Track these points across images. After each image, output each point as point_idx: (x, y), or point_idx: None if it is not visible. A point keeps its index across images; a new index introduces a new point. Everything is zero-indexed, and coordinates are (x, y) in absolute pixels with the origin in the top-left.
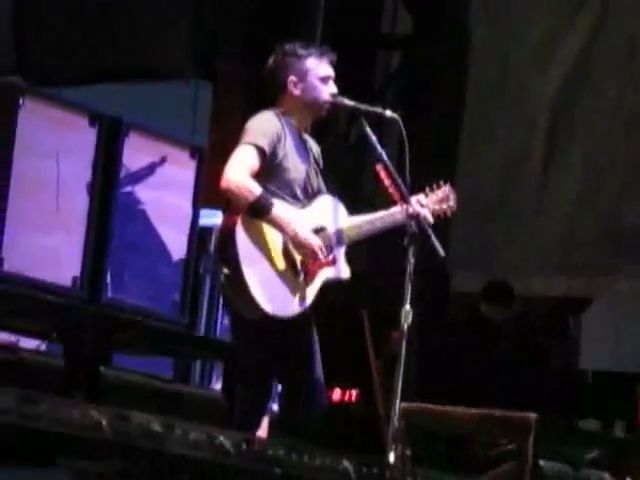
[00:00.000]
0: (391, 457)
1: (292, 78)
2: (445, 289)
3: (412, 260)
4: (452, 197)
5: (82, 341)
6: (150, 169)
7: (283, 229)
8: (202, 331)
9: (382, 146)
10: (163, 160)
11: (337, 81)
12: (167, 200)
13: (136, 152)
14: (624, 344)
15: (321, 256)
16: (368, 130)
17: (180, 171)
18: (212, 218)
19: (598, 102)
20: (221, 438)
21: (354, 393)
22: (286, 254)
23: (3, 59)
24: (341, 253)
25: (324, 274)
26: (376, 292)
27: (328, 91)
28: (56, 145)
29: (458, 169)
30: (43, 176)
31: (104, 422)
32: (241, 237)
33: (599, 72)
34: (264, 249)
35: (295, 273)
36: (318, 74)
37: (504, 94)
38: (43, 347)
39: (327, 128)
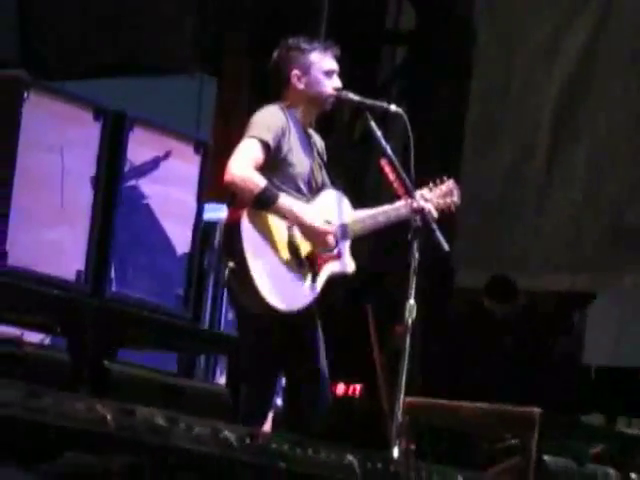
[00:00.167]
0: (395, 452)
1: (296, 72)
2: (448, 285)
3: (416, 255)
4: (456, 192)
5: (86, 335)
6: (154, 163)
7: (291, 218)
8: (206, 325)
9: (386, 141)
10: (167, 154)
11: (342, 76)
12: (171, 194)
13: (140, 146)
14: (627, 340)
15: (331, 241)
16: (373, 124)
17: (184, 165)
18: (216, 212)
19: (602, 102)
20: (225, 432)
21: (358, 388)
22: (292, 248)
23: (7, 52)
24: (346, 247)
25: (329, 268)
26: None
27: (332, 85)
28: (60, 139)
29: (462, 165)
30: (47, 170)
31: (109, 416)
32: (247, 230)
33: (603, 72)
34: (270, 243)
35: (301, 267)
36: (322, 68)
37: (508, 92)
38: (47, 341)
39: (332, 123)
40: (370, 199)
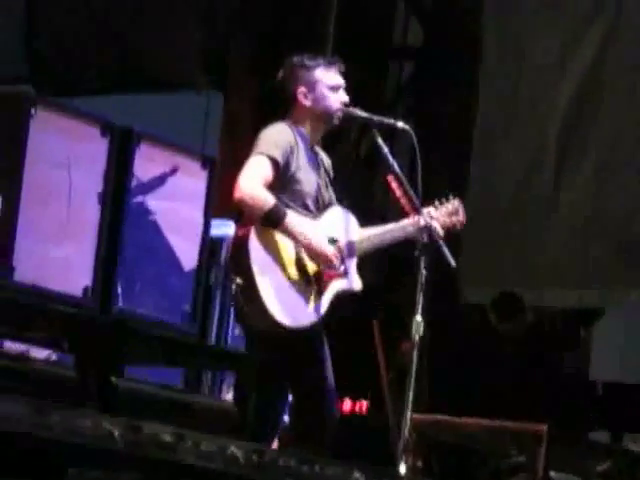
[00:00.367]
0: (402, 468)
1: (302, 89)
2: (455, 301)
3: (423, 271)
4: (461, 211)
5: (93, 351)
6: (161, 179)
7: (297, 238)
8: (213, 341)
9: (393, 157)
10: (174, 170)
11: (349, 92)
12: (178, 210)
13: (147, 162)
14: (635, 355)
15: (336, 263)
16: (380, 141)
17: (191, 181)
18: (223, 228)
19: (609, 116)
20: (232, 449)
21: (365, 404)
22: (299, 265)
23: (15, 69)
24: (353, 265)
25: (336, 285)
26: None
27: (339, 99)
28: (67, 155)
29: (469, 181)
30: (54, 186)
31: (116, 432)
32: (254, 247)
33: (611, 84)
34: (277, 259)
35: (308, 284)
36: (327, 83)
37: (515, 108)
38: (54, 357)
39: (338, 141)
40: (376, 217)
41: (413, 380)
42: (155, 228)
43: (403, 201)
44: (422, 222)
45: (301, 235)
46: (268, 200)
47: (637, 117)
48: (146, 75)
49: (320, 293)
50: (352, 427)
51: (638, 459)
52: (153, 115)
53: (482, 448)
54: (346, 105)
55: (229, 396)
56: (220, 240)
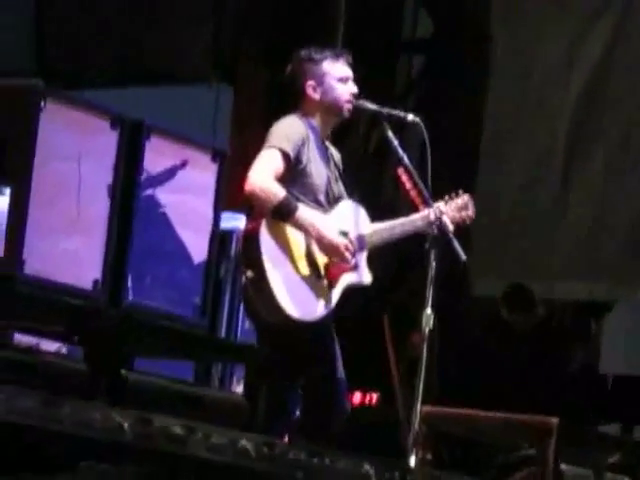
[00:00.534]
0: (412, 461)
1: (310, 83)
2: (466, 294)
3: (433, 264)
4: (470, 206)
5: (103, 344)
6: (171, 172)
7: (308, 231)
8: (223, 334)
9: (403, 150)
10: (184, 163)
11: (358, 86)
12: (188, 203)
13: (157, 155)
14: None
15: (348, 256)
16: (390, 134)
17: (201, 174)
18: (233, 221)
19: (618, 113)
20: (243, 441)
21: (375, 396)
22: (309, 258)
23: (25, 62)
24: (363, 258)
25: (346, 279)
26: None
27: (348, 91)
28: (77, 148)
29: (479, 174)
30: (64, 179)
31: (126, 425)
32: (265, 240)
33: (619, 81)
34: (288, 253)
35: (318, 277)
36: (335, 75)
37: (524, 101)
38: (64, 350)
39: (348, 133)
40: (386, 211)
41: (423, 373)
42: (165, 221)
43: (413, 194)
44: (432, 216)
45: (312, 228)
46: (279, 193)
47: None
48: (156, 68)
49: (330, 286)
50: (362, 420)
51: None
52: (163, 109)
53: (492, 441)
54: (355, 97)
55: (239, 389)
56: (230, 233)
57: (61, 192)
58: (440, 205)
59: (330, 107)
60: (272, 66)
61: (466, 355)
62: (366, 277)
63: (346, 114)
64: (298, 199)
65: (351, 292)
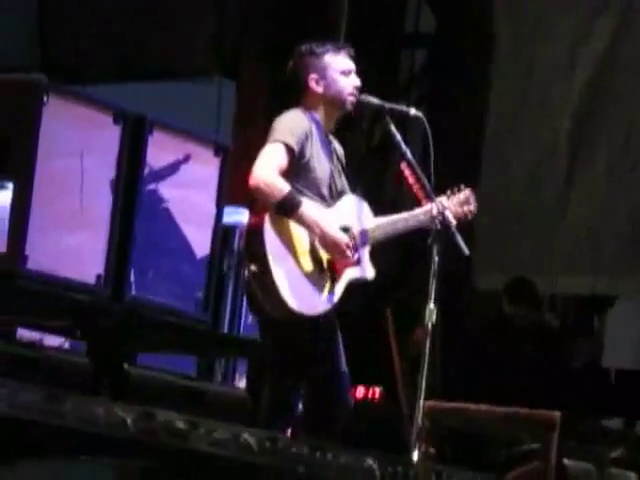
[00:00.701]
0: (415, 455)
1: (313, 76)
2: (469, 289)
3: (436, 259)
4: (472, 200)
5: (106, 339)
6: (174, 167)
7: (311, 227)
8: (226, 329)
9: (406, 145)
10: (187, 158)
11: (361, 81)
12: (191, 198)
13: (160, 150)
14: None
15: (349, 253)
16: (392, 128)
17: (204, 169)
18: (235, 216)
19: (621, 107)
20: (245, 436)
21: (377, 391)
22: (313, 253)
23: (27, 57)
24: (366, 253)
25: (349, 274)
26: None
27: (351, 84)
28: (80, 143)
29: (483, 168)
30: (67, 174)
31: (129, 420)
32: (269, 235)
33: (622, 79)
34: (291, 247)
35: (321, 272)
36: (338, 68)
37: (527, 97)
38: (67, 345)
39: (351, 128)
40: (389, 206)
41: (426, 367)
42: (168, 216)
43: (416, 189)
44: (435, 210)
45: (315, 224)
46: (283, 188)
47: None
48: (158, 63)
49: (334, 281)
50: (365, 414)
51: None
52: (166, 104)
53: (495, 435)
54: (358, 90)
55: (242, 384)
56: (233, 228)
57: (64, 187)
58: (442, 200)
59: (333, 100)
60: (274, 61)
61: (468, 351)
62: (369, 272)
63: (349, 107)
64: (302, 193)
65: (354, 287)
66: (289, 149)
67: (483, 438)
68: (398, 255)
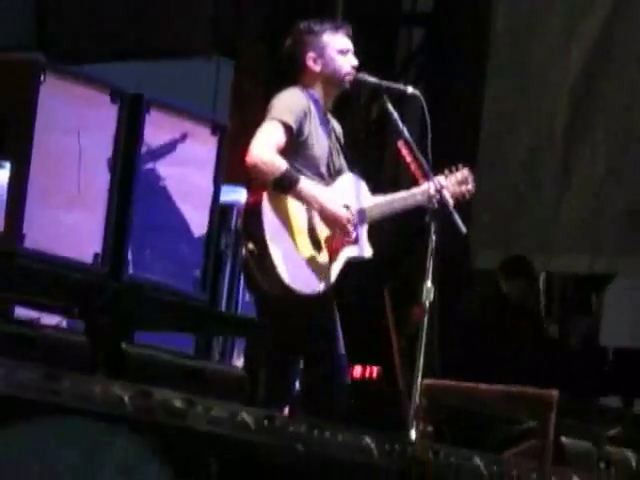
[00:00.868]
0: (413, 434)
1: (311, 54)
2: (466, 268)
3: (434, 237)
4: (470, 180)
5: (103, 317)
6: (171, 146)
7: (310, 202)
8: (223, 307)
9: (404, 123)
10: (184, 136)
11: (359, 59)
12: (188, 177)
13: (157, 129)
14: None
15: (350, 228)
16: (390, 107)
17: (201, 147)
18: (233, 195)
19: (619, 86)
20: (243, 414)
21: (375, 370)
22: (311, 232)
23: (25, 35)
24: (363, 232)
25: (347, 252)
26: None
27: (349, 62)
28: (77, 121)
29: (480, 148)
30: (64, 153)
31: (126, 398)
32: (267, 213)
33: (619, 56)
34: (289, 226)
35: (319, 250)
36: (336, 47)
37: (525, 77)
38: (64, 324)
39: (349, 107)
40: (387, 184)
41: (423, 346)
42: (165, 195)
43: (413, 167)
44: (432, 189)
45: (314, 199)
46: (281, 165)
47: None
48: (156, 42)
49: (331, 260)
50: (363, 393)
51: None
52: (162, 83)
53: (493, 414)
54: (356, 69)
55: (240, 362)
56: (230, 206)
57: (61, 166)
58: (440, 179)
59: (330, 78)
60: (272, 41)
61: (467, 329)
62: (367, 251)
63: (346, 86)
64: (300, 172)
65: (352, 266)
66: (287, 127)
67: (481, 417)
68: (396, 233)
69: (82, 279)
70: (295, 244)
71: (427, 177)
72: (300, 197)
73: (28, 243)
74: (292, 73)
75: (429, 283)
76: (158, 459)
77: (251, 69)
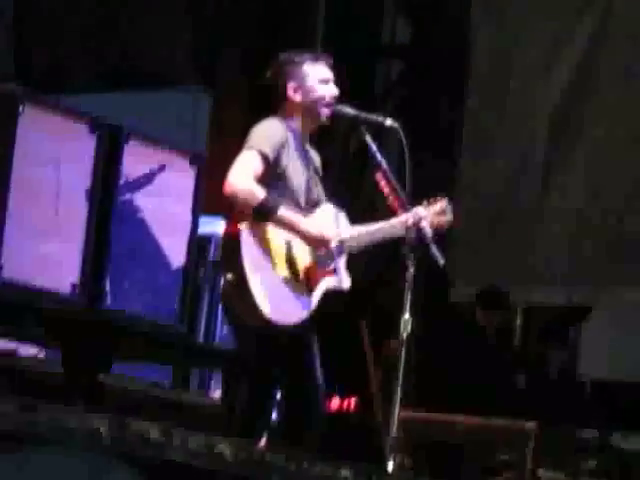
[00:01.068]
0: (390, 466)
1: (291, 84)
2: (443, 300)
3: (412, 269)
4: (449, 210)
5: (81, 348)
6: (150, 176)
7: (293, 227)
8: (201, 339)
9: (382, 154)
10: (163, 167)
11: (337, 90)
12: (167, 207)
13: (136, 160)
14: (623, 353)
15: (332, 249)
16: (368, 138)
17: (180, 178)
18: (210, 226)
19: (599, 113)
20: (220, 446)
21: (353, 401)
22: (290, 262)
23: (2, 66)
24: (342, 263)
25: (326, 283)
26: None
27: (329, 92)
28: (56, 152)
29: (459, 179)
30: (43, 183)
31: (103, 430)
32: (246, 244)
33: (600, 84)
34: (268, 256)
35: (298, 281)
36: (317, 76)
37: (504, 105)
38: (42, 354)
39: (328, 138)
40: (366, 215)
41: (401, 378)
42: (143, 225)
43: (391, 198)
44: (410, 221)
45: (295, 224)
46: (259, 193)
47: (629, 115)
48: (135, 73)
49: (310, 290)
50: (340, 425)
51: (627, 457)
52: (141, 114)
53: (471, 445)
54: (336, 99)
55: (217, 394)
56: (208, 238)
57: (39, 197)
58: (419, 210)
59: (310, 109)
60: (251, 73)
61: (444, 360)
62: (345, 282)
63: (325, 118)
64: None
65: (330, 296)
66: (264, 157)
67: (459, 448)
68: (370, 264)
69: (60, 310)
70: (274, 275)
71: (405, 209)
72: (281, 223)
73: (6, 273)
74: (272, 104)
75: (407, 315)
76: None
77: (229, 99)
